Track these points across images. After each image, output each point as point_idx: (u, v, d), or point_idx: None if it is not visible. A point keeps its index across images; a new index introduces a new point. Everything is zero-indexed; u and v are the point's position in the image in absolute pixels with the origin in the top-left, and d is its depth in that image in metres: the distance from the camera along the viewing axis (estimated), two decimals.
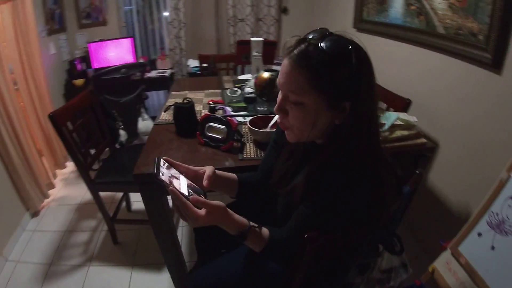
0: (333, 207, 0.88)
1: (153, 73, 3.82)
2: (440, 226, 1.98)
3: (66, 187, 3.03)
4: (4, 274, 2.12)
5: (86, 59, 3.69)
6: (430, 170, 2.05)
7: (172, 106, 1.68)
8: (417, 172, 1.17)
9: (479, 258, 1.29)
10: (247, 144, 1.60)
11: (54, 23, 3.37)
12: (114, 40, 3.75)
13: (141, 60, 3.86)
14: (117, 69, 2.77)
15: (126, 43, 3.78)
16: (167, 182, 0.86)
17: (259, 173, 1.26)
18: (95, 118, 2.25)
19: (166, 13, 4.06)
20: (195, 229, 1.50)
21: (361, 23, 2.78)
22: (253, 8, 3.75)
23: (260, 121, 1.64)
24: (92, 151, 2.20)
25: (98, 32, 3.88)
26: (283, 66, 0.84)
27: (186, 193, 0.88)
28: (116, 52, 3.73)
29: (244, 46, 2.45)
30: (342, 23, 3.03)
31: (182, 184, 0.91)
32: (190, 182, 0.96)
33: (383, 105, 2.07)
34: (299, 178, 0.97)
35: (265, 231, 0.97)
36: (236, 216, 0.95)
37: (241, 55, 2.50)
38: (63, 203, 2.80)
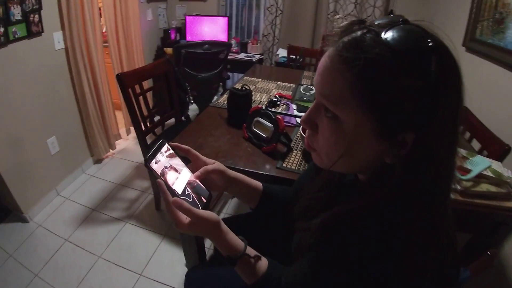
0: (340, 268, 0.59)
1: (241, 56, 3.75)
2: None
3: (136, 144, 3.15)
4: (51, 206, 2.36)
5: (181, 30, 3.77)
6: (507, 245, 1.61)
7: (228, 91, 1.54)
8: (489, 253, 0.89)
9: None
10: (294, 151, 1.40)
11: None
12: (210, 17, 3.74)
13: (233, 41, 3.81)
14: (200, 44, 2.71)
15: (222, 22, 3.74)
16: (158, 172, 0.72)
17: (292, 191, 1.03)
18: (167, 87, 2.24)
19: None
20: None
21: (472, 42, 2.32)
22: (356, 6, 3.43)
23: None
24: (158, 118, 2.21)
25: (197, 6, 3.93)
26: (323, 59, 0.57)
27: (179, 190, 0.74)
28: (210, 29, 3.73)
29: None
30: (451, 38, 2.58)
31: (180, 179, 0.77)
32: (195, 179, 0.81)
33: (476, 145, 1.68)
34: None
35: (262, 264, 0.77)
36: (231, 236, 0.77)
37: (324, 50, 2.24)
38: (127, 158, 2.94)
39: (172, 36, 3.70)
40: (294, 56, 3.12)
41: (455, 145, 0.55)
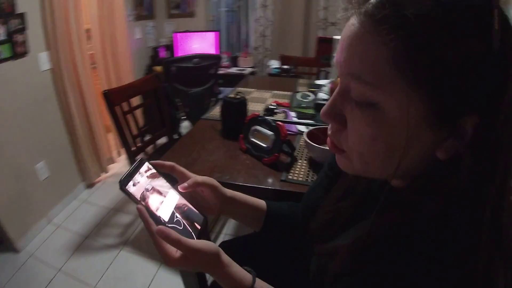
0: None
1: (233, 70, 3.62)
2: None
3: (127, 166, 2.94)
4: (43, 234, 2.16)
5: (170, 48, 3.65)
6: None
7: (220, 101, 1.37)
8: None
9: None
10: (299, 161, 1.22)
11: (143, 9, 3.38)
12: (199, 32, 3.63)
13: (224, 56, 3.68)
14: (190, 58, 2.56)
15: (211, 37, 3.63)
16: (138, 196, 0.56)
17: (302, 207, 0.85)
18: (157, 104, 2.10)
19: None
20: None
21: None
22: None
23: (322, 135, 1.25)
24: (148, 137, 2.07)
25: (185, 23, 3.83)
26: (345, 28, 0.41)
27: (165, 217, 0.58)
28: (200, 45, 3.61)
29: (325, 44, 2.04)
30: None
31: (166, 203, 0.60)
32: (185, 203, 0.64)
33: None
34: (349, 235, 0.56)
35: None
36: (234, 269, 0.59)
37: (320, 56, 2.09)
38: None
39: (162, 54, 3.57)
40: (287, 66, 2.98)
41: None
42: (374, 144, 0.42)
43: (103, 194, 2.58)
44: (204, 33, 3.64)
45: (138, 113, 2.14)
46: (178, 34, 3.54)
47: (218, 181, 0.74)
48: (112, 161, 2.94)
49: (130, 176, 0.57)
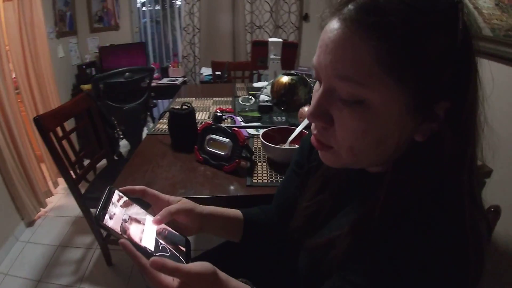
0: (399, 283, 0.45)
1: (164, 81, 3.49)
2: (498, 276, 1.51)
3: (67, 197, 2.68)
4: None
5: (96, 64, 3.41)
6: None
7: (167, 113, 1.29)
8: (492, 209, 0.85)
9: None
10: (259, 164, 1.19)
11: (64, 25, 3.12)
12: (125, 45, 3.46)
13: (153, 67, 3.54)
14: (121, 72, 2.40)
15: (138, 49, 3.49)
16: (118, 229, 0.50)
17: (275, 208, 0.86)
18: (92, 125, 1.94)
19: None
20: None
21: None
22: (272, 15, 3.37)
23: (277, 135, 1.24)
24: (87, 162, 1.90)
25: (109, 36, 3.60)
26: (327, 32, 0.44)
27: (150, 246, 0.53)
28: (127, 58, 3.43)
29: (260, 47, 2.04)
30: None
31: (147, 231, 0.55)
32: (165, 227, 0.60)
33: None
34: (339, 224, 0.58)
35: None
36: (233, 283, 0.57)
37: (256, 58, 2.10)
38: (61, 214, 2.49)
39: (88, 71, 3.33)
40: (219, 72, 2.95)
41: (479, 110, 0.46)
42: (364, 137, 0.45)
43: (46, 231, 2.32)
44: (130, 45, 3.48)
45: (73, 137, 1.95)
46: (103, 48, 3.35)
47: (184, 197, 0.70)
48: (49, 193, 2.65)
49: (104, 208, 0.51)
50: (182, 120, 1.26)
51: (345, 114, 0.45)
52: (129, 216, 0.53)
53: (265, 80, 2.56)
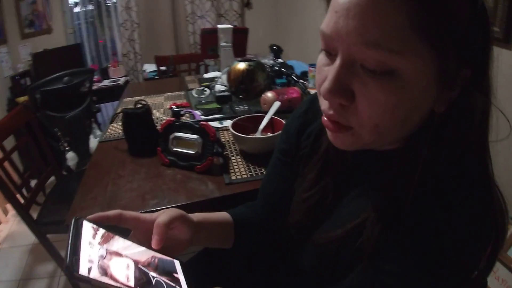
0: (441, 270, 0.43)
1: (105, 83, 3.22)
2: None
3: (20, 223, 2.32)
4: None
5: (31, 73, 3.03)
6: None
7: (120, 114, 1.12)
8: None
9: None
10: (233, 158, 1.08)
11: None
12: (60, 49, 3.12)
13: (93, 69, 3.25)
14: (59, 77, 2.13)
15: (74, 52, 3.17)
16: (98, 277, 0.37)
17: (262, 203, 0.79)
18: (34, 140, 1.71)
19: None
20: None
21: None
22: (213, 3, 3.22)
23: (247, 124, 1.14)
24: (35, 182, 1.68)
25: (43, 41, 3.19)
26: None
27: (143, 286, 0.41)
28: (64, 63, 3.06)
29: (209, 35, 1.90)
30: (315, 10, 2.62)
31: (133, 266, 0.43)
32: (153, 254, 0.48)
33: None
34: (349, 212, 0.55)
35: None
36: None
37: (206, 48, 1.96)
38: (16, 244, 2.20)
39: (22, 81, 2.94)
40: (164, 67, 2.77)
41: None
42: (393, 112, 0.40)
43: (3, 266, 2.02)
44: (65, 48, 3.16)
45: (14, 156, 1.70)
46: (36, 55, 2.98)
47: (158, 209, 0.66)
48: None
49: (74, 252, 0.37)
50: (139, 120, 1.10)
51: (371, 87, 0.39)
52: (107, 252, 0.40)
53: (213, 70, 2.43)
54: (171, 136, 1.02)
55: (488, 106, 0.43)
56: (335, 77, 0.40)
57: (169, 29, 3.30)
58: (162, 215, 0.52)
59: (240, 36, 1.94)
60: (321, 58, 0.45)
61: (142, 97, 1.83)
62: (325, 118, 0.46)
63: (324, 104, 0.45)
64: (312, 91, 1.80)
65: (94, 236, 0.40)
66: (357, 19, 0.37)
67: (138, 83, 3.24)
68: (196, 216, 0.62)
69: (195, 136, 0.99)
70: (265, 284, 0.84)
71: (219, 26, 1.85)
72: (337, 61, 0.41)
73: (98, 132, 2.67)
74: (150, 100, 1.80)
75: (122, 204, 0.81)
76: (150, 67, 3.19)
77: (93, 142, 2.55)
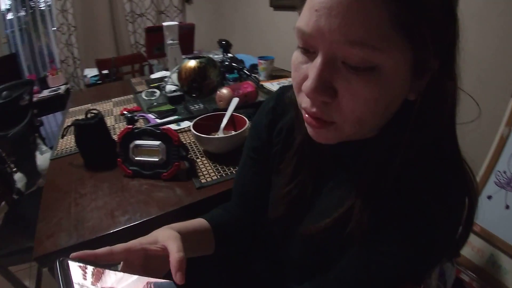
0: (430, 242, 0.48)
1: (45, 93, 2.99)
2: None
3: None
4: None
5: None
6: None
7: (72, 127, 1.04)
8: None
9: (494, 221, 1.20)
10: (198, 160, 1.05)
11: None
12: None
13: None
14: None
15: (10, 63, 2.90)
16: None
17: (237, 202, 0.78)
18: None
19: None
20: None
21: (279, 0, 2.45)
22: (153, 0, 3.09)
23: (209, 122, 1.11)
24: None
25: None
26: None
27: None
28: None
29: (154, 34, 1.82)
30: (257, 3, 2.63)
31: None
32: (146, 279, 0.44)
33: None
34: (331, 202, 0.58)
35: None
36: None
37: (152, 47, 1.87)
38: None
39: None
40: (107, 71, 2.63)
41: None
42: (376, 105, 0.42)
43: None
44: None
45: None
46: None
47: (131, 224, 0.67)
48: None
49: None
50: (93, 132, 1.02)
51: (354, 83, 0.40)
52: None
53: (159, 70, 2.33)
54: (131, 145, 0.96)
55: (456, 92, 0.46)
56: (318, 76, 0.41)
57: (108, 30, 3.13)
58: (170, 244, 0.50)
59: (186, 33, 1.88)
60: (298, 55, 0.45)
61: (89, 105, 1.73)
62: (307, 115, 0.46)
63: (305, 102, 0.45)
64: (265, 84, 1.80)
65: (84, 276, 0.37)
66: (340, 17, 0.37)
67: (81, 90, 3.05)
68: (176, 227, 0.60)
69: (157, 142, 0.94)
70: (250, 281, 0.84)
71: (165, 23, 1.77)
72: (319, 59, 0.41)
73: (44, 148, 2.48)
74: (99, 107, 1.69)
75: (91, 226, 0.75)
76: (91, 72, 3.01)
77: (40, 159, 2.37)
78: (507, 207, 1.18)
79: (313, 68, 0.42)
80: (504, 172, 1.20)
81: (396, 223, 0.48)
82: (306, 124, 0.48)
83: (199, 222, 0.69)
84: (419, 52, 0.40)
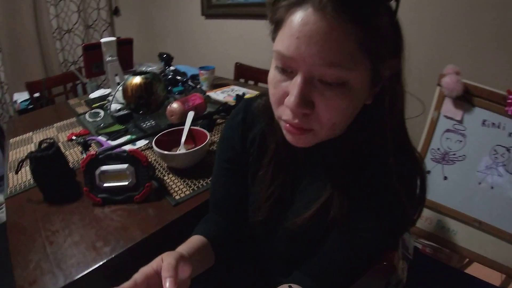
0: (398, 214, 0.60)
1: None
2: None
3: None
4: None
5: None
6: None
7: (27, 160, 0.97)
8: None
9: (436, 192, 1.37)
10: (165, 178, 1.05)
11: None
12: None
13: None
14: None
15: None
16: None
17: (217, 211, 0.81)
18: None
19: None
20: None
21: (211, 9, 2.50)
22: (80, 14, 2.92)
23: (167, 138, 1.12)
24: None
25: None
26: (307, 23, 0.45)
27: None
28: None
29: (92, 52, 1.72)
30: (189, 13, 2.62)
31: None
32: None
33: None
34: (308, 196, 0.66)
35: None
36: None
37: (90, 66, 1.78)
38: None
39: None
40: (38, 94, 2.44)
41: None
42: (346, 112, 0.51)
43: None
44: None
45: None
46: None
47: (118, 253, 0.69)
48: None
49: None
50: (52, 163, 0.96)
51: (329, 96, 0.49)
52: None
53: (93, 88, 2.21)
54: (97, 172, 0.93)
55: (404, 93, 0.56)
56: (299, 93, 0.48)
57: (35, 49, 2.89)
58: (166, 258, 0.51)
59: (125, 48, 1.82)
60: (275, 74, 0.53)
61: (31, 134, 1.61)
62: (287, 125, 0.54)
63: (286, 114, 0.53)
64: (210, 94, 1.81)
65: None
66: (320, 45, 0.45)
67: (16, 119, 2.78)
68: (181, 249, 0.64)
69: (124, 166, 0.92)
70: (237, 281, 0.88)
71: (102, 40, 1.70)
72: (298, 78, 0.48)
73: None
74: (42, 135, 1.59)
75: (75, 263, 0.71)
76: (21, 97, 2.76)
77: None
78: (445, 178, 1.37)
79: (294, 86, 0.49)
80: (438, 149, 1.38)
81: (369, 203, 0.59)
82: (285, 132, 0.56)
83: (197, 239, 0.72)
84: (377, 66, 0.49)
